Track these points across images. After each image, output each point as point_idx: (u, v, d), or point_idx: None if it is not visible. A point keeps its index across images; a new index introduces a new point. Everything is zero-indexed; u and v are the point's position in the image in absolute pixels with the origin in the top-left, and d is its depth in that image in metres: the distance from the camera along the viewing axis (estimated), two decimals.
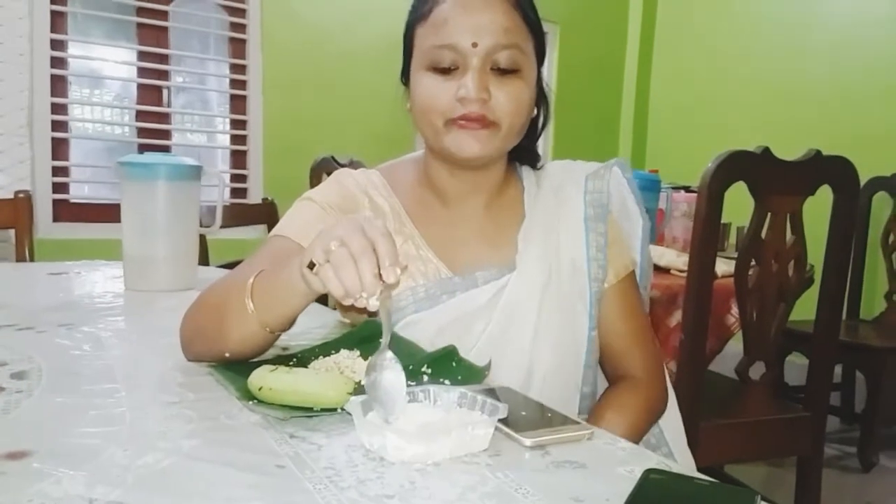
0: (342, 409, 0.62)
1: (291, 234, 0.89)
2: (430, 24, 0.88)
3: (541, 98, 0.97)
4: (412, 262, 0.93)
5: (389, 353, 0.61)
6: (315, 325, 1.01)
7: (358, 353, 0.78)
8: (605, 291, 0.97)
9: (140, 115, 2.96)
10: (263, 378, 0.64)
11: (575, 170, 1.02)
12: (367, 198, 0.96)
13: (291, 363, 0.76)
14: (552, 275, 0.94)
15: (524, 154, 1.02)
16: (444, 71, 0.87)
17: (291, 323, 0.76)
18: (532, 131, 0.99)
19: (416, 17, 0.90)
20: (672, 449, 1.06)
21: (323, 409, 0.62)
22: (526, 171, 1.03)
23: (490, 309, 0.91)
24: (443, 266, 0.93)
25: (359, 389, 0.64)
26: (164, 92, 3.01)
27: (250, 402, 0.64)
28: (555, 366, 0.92)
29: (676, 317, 1.57)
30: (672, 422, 1.08)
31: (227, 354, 0.76)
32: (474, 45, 0.85)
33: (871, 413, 2.39)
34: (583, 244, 0.96)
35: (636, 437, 0.94)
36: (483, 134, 0.87)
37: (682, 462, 1.04)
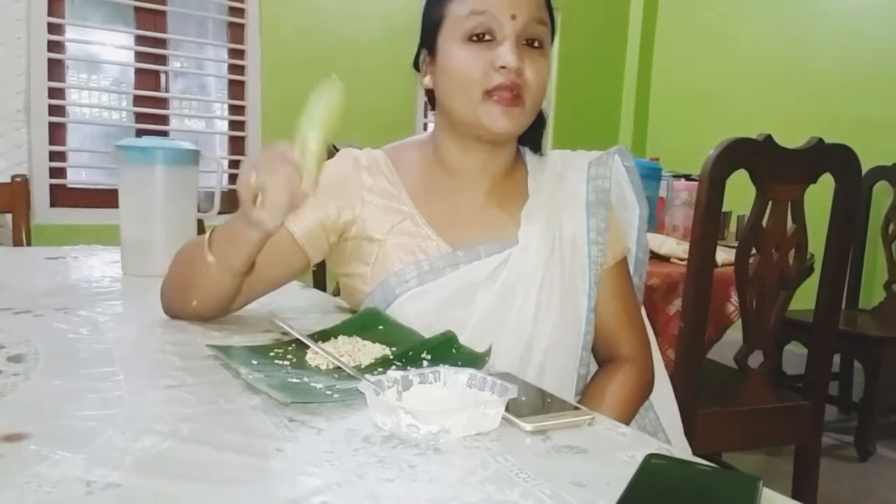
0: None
1: None
2: None
3: None
4: (412, 239, 0.94)
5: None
6: (313, 312, 1.01)
7: (357, 339, 0.78)
8: (601, 274, 0.99)
9: (138, 100, 2.94)
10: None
11: (578, 157, 1.04)
12: (367, 176, 0.97)
13: (291, 348, 0.76)
14: (554, 250, 0.95)
15: (532, 140, 1.03)
16: (479, 40, 0.89)
17: (252, 263, 0.84)
18: (541, 118, 1.01)
19: None
20: (669, 436, 1.07)
21: (325, 393, 0.62)
22: (530, 156, 1.05)
23: (492, 280, 0.92)
24: (443, 243, 0.94)
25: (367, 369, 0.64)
26: (162, 77, 2.99)
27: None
28: (555, 342, 0.93)
29: (676, 305, 1.57)
30: (668, 409, 1.10)
31: (193, 303, 0.86)
32: (513, 17, 0.88)
33: (869, 402, 2.40)
34: (584, 226, 0.98)
35: (629, 417, 0.98)
36: (515, 111, 0.90)
37: (678, 449, 1.06)
